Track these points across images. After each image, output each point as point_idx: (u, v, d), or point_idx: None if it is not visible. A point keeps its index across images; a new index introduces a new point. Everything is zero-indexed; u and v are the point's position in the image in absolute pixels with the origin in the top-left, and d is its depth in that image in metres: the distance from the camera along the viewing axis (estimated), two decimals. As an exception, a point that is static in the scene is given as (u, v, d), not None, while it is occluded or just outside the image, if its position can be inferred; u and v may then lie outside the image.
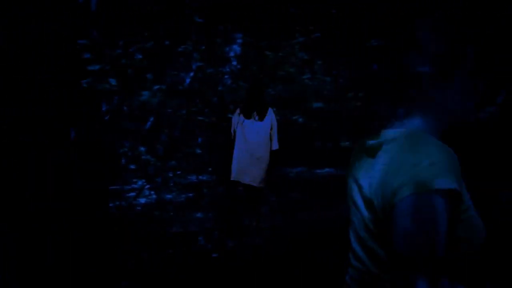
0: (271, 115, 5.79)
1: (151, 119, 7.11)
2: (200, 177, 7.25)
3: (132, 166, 6.60)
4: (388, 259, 1.30)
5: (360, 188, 1.43)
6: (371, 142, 1.41)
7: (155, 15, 7.42)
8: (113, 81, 6.73)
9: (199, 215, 6.43)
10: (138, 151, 6.76)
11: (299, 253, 5.09)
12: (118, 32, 7.00)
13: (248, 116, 5.67)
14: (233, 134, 5.81)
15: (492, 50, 6.82)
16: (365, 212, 1.38)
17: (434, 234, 1.18)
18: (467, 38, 1.40)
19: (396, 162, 1.27)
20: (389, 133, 1.38)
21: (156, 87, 7.41)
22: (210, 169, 7.42)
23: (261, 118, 5.68)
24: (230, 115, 8.33)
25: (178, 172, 7.28)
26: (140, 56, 7.22)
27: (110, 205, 5.84)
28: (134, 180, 6.67)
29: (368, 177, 1.37)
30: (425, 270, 1.18)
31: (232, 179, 5.77)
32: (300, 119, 11.27)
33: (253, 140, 5.69)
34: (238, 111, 5.79)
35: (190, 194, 7.00)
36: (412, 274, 1.18)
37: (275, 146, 5.87)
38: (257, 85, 5.88)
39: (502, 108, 7.36)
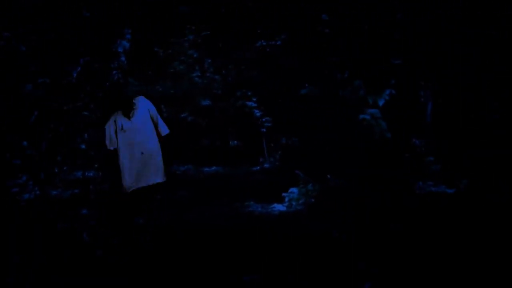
0: (143, 102, 5.60)
1: (35, 113, 7.15)
2: (87, 173, 7.40)
3: (16, 161, 6.63)
4: None
5: None
6: None
7: (42, 7, 7.47)
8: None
9: (84, 211, 6.53)
10: (22, 146, 6.79)
11: (186, 250, 5.45)
12: (2, 24, 6.98)
13: (127, 115, 5.47)
14: (108, 144, 5.60)
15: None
16: None
17: None
18: None
19: None
20: None
21: (41, 80, 7.46)
22: (96, 165, 7.58)
23: (132, 112, 5.48)
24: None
25: (64, 168, 7.39)
26: (24, 49, 7.24)
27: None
28: (19, 175, 6.70)
29: None
30: None
31: (128, 191, 5.53)
32: (189, 117, 11.59)
33: (141, 138, 5.52)
34: (112, 118, 5.53)
35: (76, 190, 7.13)
36: None
37: (164, 131, 5.74)
38: (114, 85, 5.76)
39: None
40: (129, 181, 5.52)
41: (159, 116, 5.73)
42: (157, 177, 5.61)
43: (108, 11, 8.95)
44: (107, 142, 5.61)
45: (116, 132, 5.52)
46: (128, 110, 5.49)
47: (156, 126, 5.68)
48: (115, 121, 5.52)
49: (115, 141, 5.55)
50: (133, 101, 5.57)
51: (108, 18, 9.01)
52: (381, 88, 8.23)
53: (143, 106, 5.58)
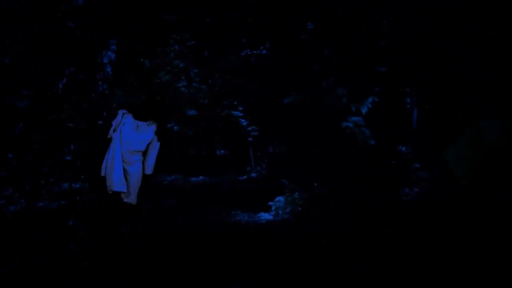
0: (155, 137, 5.76)
1: (21, 124, 7.16)
2: (74, 184, 7.40)
3: (2, 174, 6.64)
4: None
5: None
6: None
7: (26, 18, 7.49)
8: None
9: (71, 222, 6.53)
10: (7, 158, 6.80)
11: (173, 258, 5.47)
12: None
13: (133, 120, 5.60)
14: (112, 130, 5.71)
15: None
16: None
17: None
18: None
19: None
20: None
21: (25, 91, 7.48)
22: (82, 176, 7.58)
23: (142, 130, 5.65)
24: (101, 122, 8.47)
25: (51, 180, 7.39)
26: (8, 61, 7.26)
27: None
28: (5, 187, 6.70)
29: None
30: None
31: (113, 190, 5.62)
32: (175, 127, 11.62)
33: (125, 150, 5.61)
34: (122, 112, 5.70)
35: (63, 202, 7.12)
36: None
37: (148, 171, 5.84)
38: (155, 96, 5.92)
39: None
40: (112, 180, 5.61)
41: (155, 155, 5.83)
42: (129, 198, 5.77)
43: (93, 22, 8.98)
44: (112, 127, 5.71)
45: (118, 125, 5.64)
46: (146, 122, 5.64)
47: (145, 159, 5.80)
48: (123, 115, 5.66)
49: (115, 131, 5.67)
50: (157, 120, 5.75)
51: (93, 28, 9.04)
52: (365, 95, 8.31)
53: (152, 133, 5.71)
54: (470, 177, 2.34)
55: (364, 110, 7.82)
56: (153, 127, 5.78)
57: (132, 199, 5.77)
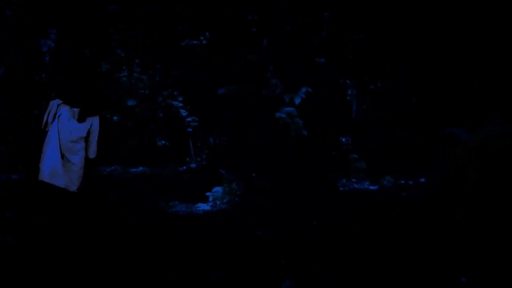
0: (94, 121, 5.73)
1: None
2: (12, 176, 7.34)
3: None
4: None
5: None
6: None
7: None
8: None
9: (9, 214, 6.46)
10: None
11: (110, 249, 5.52)
12: None
13: (69, 109, 5.56)
14: (44, 123, 5.65)
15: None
16: None
17: None
18: None
19: None
20: None
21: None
22: (21, 167, 7.53)
23: (81, 119, 5.62)
24: (36, 112, 8.34)
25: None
26: None
27: None
28: None
29: None
30: None
31: (41, 179, 5.56)
32: (115, 117, 11.58)
33: (66, 139, 5.59)
34: (57, 102, 5.62)
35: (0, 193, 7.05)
36: None
37: (92, 155, 5.82)
38: (91, 83, 5.90)
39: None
40: (42, 169, 5.58)
41: (96, 138, 5.82)
42: (72, 185, 5.72)
43: (32, 10, 8.87)
44: (45, 118, 5.64)
45: (54, 116, 5.58)
46: (83, 112, 5.62)
47: (87, 144, 5.78)
48: (58, 106, 5.60)
49: (49, 123, 5.61)
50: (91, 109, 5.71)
51: (33, 17, 8.93)
52: (299, 86, 8.45)
53: (91, 120, 5.71)
54: (476, 177, 2.52)
55: (297, 101, 7.98)
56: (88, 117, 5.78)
57: (75, 187, 5.76)
